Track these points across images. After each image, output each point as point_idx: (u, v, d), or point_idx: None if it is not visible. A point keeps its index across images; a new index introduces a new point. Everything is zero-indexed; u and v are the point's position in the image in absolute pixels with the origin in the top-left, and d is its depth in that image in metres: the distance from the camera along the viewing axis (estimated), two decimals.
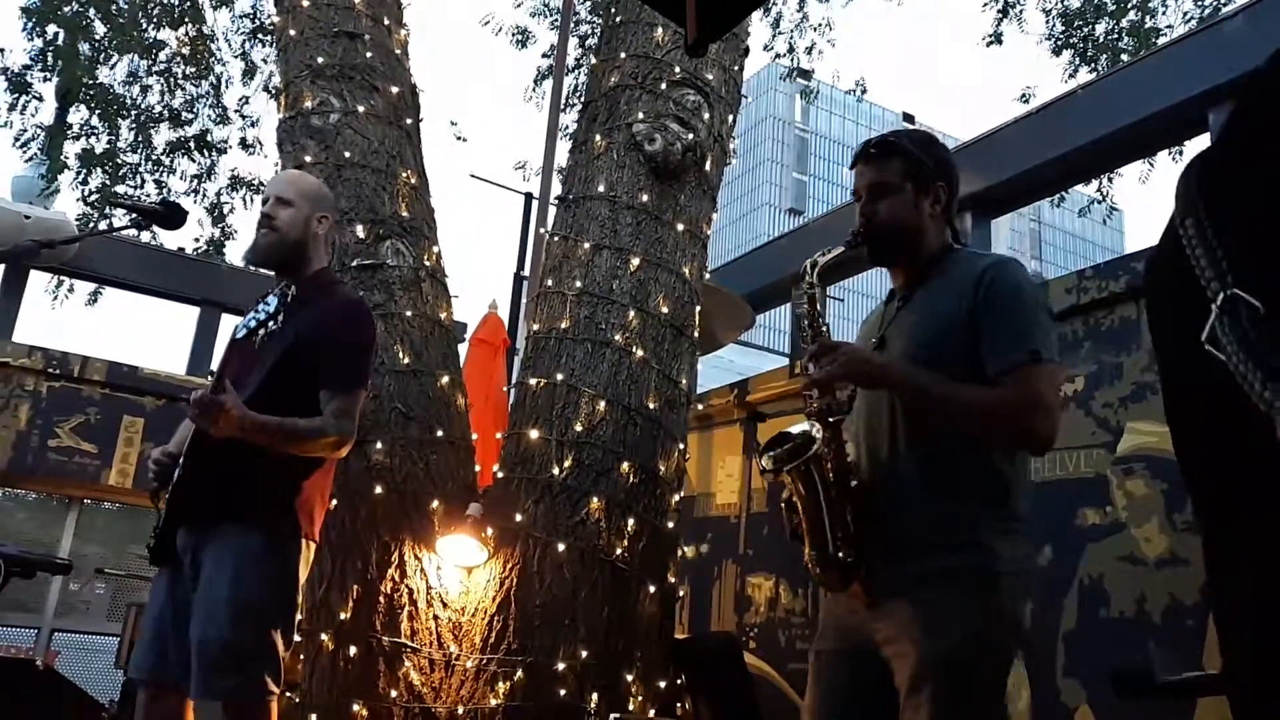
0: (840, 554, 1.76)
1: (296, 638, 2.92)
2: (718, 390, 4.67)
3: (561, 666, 2.82)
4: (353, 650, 2.81)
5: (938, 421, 1.77)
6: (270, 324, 2.59)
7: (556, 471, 3.06)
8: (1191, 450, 1.05)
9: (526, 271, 5.73)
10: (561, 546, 2.95)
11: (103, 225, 8.93)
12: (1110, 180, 8.65)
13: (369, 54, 3.62)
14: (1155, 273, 1.10)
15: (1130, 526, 2.77)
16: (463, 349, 4.07)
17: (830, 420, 1.79)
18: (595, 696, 2.85)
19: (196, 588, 2.45)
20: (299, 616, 2.98)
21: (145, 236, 5.38)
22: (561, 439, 3.10)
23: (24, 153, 9.29)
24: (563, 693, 2.80)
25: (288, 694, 2.93)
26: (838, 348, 1.78)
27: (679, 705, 3.18)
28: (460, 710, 2.70)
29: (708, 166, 3.65)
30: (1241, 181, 0.95)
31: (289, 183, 2.65)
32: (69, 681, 4.11)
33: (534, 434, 3.13)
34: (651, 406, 3.24)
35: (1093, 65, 8.37)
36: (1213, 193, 0.96)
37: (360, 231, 3.32)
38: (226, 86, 10.25)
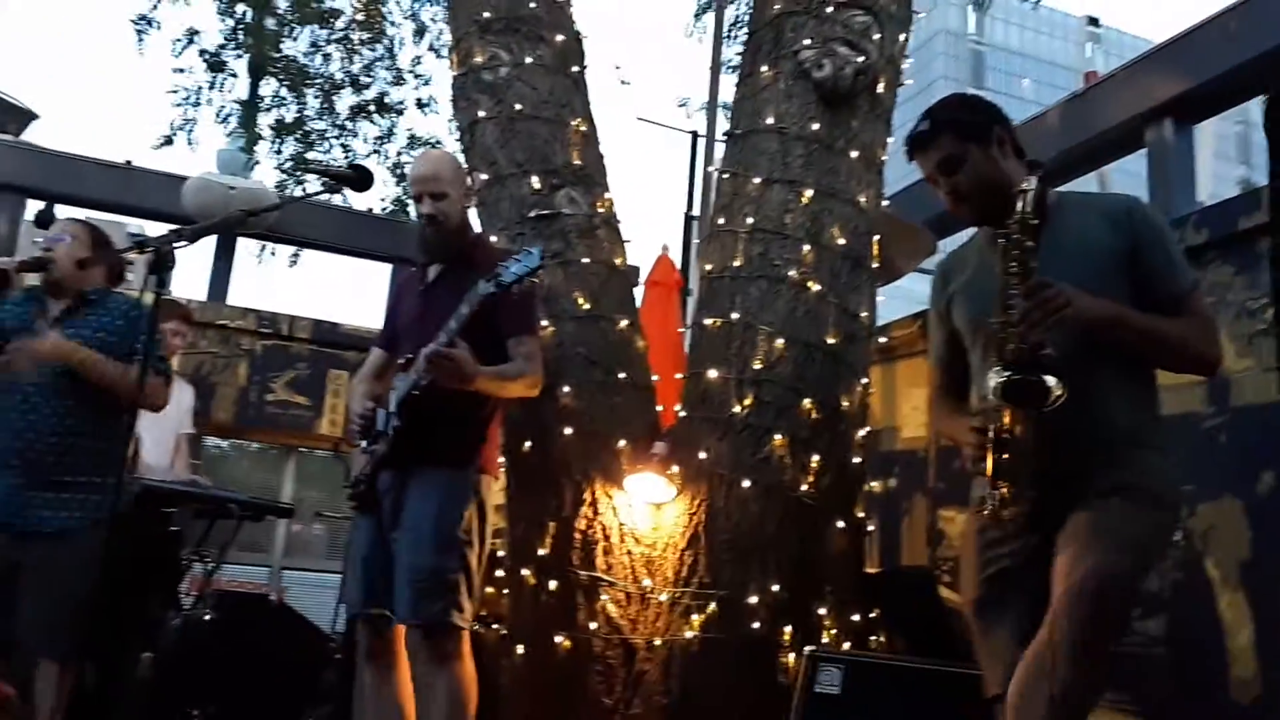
0: (1032, 494, 1.77)
1: (500, 573, 3.11)
2: (900, 321, 4.54)
3: (753, 600, 2.87)
4: (552, 585, 2.94)
5: (1143, 351, 1.87)
6: (442, 282, 2.78)
7: (737, 410, 3.08)
8: None
9: (696, 211, 5.73)
10: (746, 483, 2.98)
11: (298, 191, 9.52)
12: None
13: (533, 4, 3.66)
14: None
15: None
16: (637, 292, 4.13)
17: (1041, 358, 1.75)
18: (788, 629, 2.88)
19: (398, 526, 2.66)
20: (501, 552, 3.16)
21: (336, 199, 5.69)
22: (740, 377, 3.11)
23: (225, 128, 9.98)
24: (755, 625, 2.85)
25: (494, 626, 3.12)
26: (1052, 283, 1.77)
27: (873, 639, 3.18)
28: (657, 641, 2.79)
29: (880, 89, 3.52)
30: None
31: (434, 175, 2.82)
32: (299, 614, 4.49)
33: (712, 373, 3.15)
34: (830, 341, 3.20)
35: None
36: None
37: (535, 182, 3.40)
38: (399, 47, 10.64)
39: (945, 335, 2.14)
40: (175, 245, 2.29)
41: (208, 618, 3.89)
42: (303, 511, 5.79)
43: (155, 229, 6.03)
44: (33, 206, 5.99)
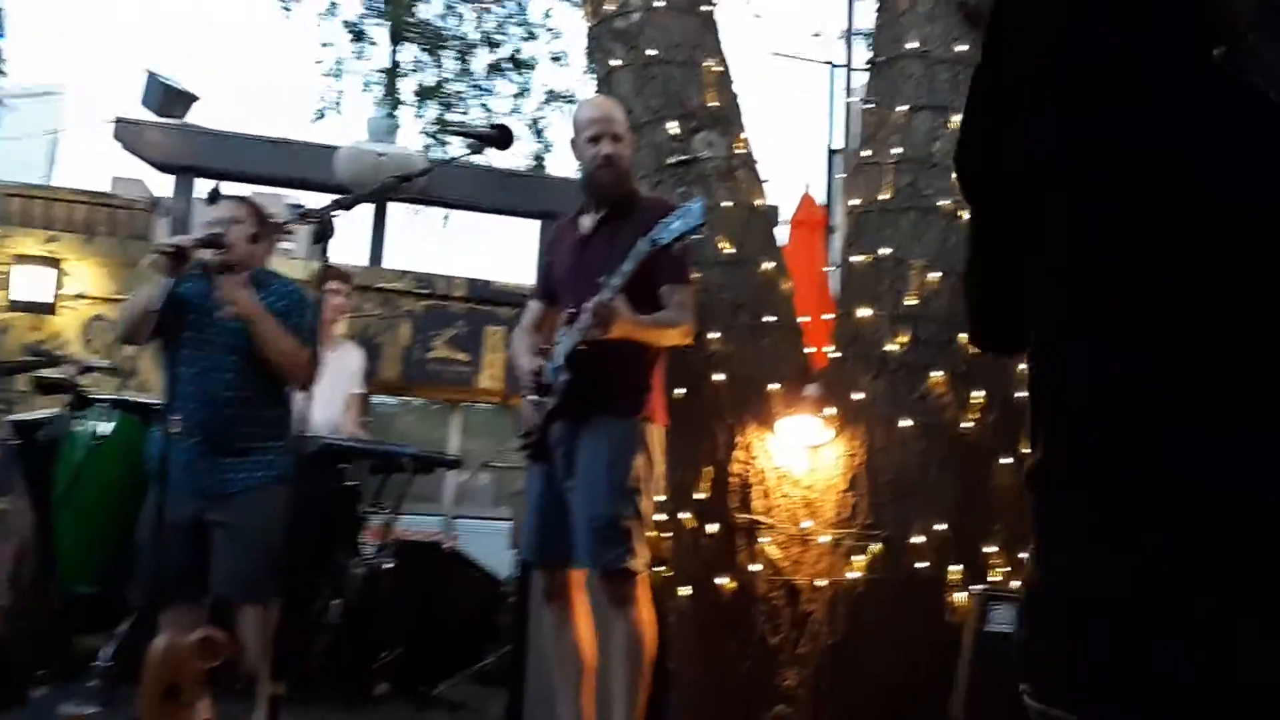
0: None
1: (662, 517, 3.18)
2: None
3: (917, 539, 2.84)
4: (712, 528, 2.99)
5: None
6: (599, 233, 2.82)
7: (891, 348, 3.03)
8: None
9: (838, 145, 5.59)
10: (906, 422, 2.93)
11: (442, 154, 9.76)
12: None
13: None
14: None
15: None
16: (780, 233, 4.08)
17: None
18: (956, 568, 2.84)
19: (572, 475, 2.75)
20: (662, 497, 3.23)
21: (479, 160, 5.82)
22: (894, 314, 3.05)
23: (370, 96, 10.30)
24: (921, 565, 2.82)
25: (659, 569, 3.19)
26: None
27: None
28: (821, 582, 2.81)
29: None
30: None
31: (609, 117, 2.85)
32: (473, 560, 4.71)
33: (864, 312, 3.10)
34: None
35: None
36: None
37: (672, 128, 3.39)
38: (529, 1, 10.68)
39: None
40: (335, 215, 2.40)
41: (388, 566, 4.13)
42: (469, 462, 6.02)
43: (312, 199, 6.33)
44: (200, 186, 6.35)
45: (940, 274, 3.06)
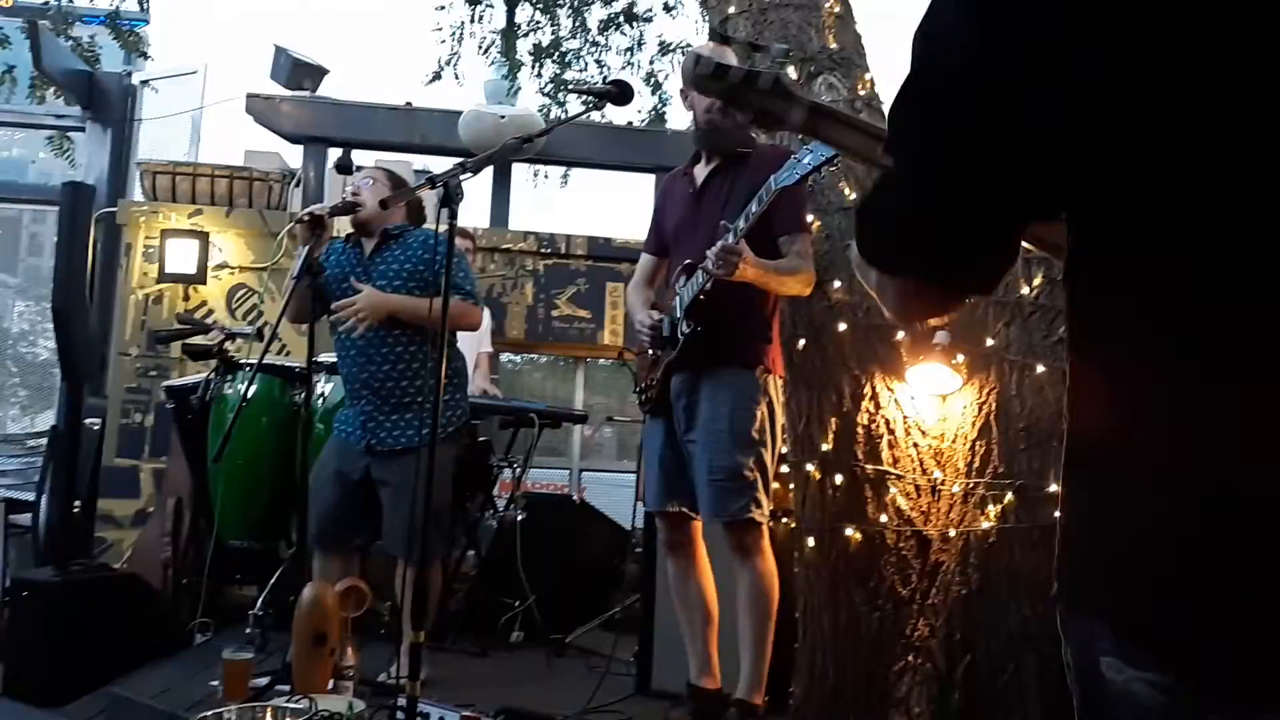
0: None
1: (786, 469, 3.16)
2: None
3: (1053, 488, 2.74)
4: (838, 479, 2.96)
5: None
6: (713, 183, 2.80)
7: (1025, 291, 2.91)
8: None
9: None
10: (1040, 368, 2.82)
11: (560, 113, 9.81)
12: None
13: None
14: None
15: None
16: None
17: None
18: None
19: (692, 428, 2.76)
20: (785, 449, 3.21)
21: (595, 117, 5.84)
22: (1027, 256, 2.93)
23: (487, 58, 10.42)
24: (1057, 514, 2.73)
25: (784, 519, 3.18)
26: None
27: None
28: (951, 533, 2.75)
29: None
30: None
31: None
32: (600, 512, 4.80)
33: None
34: None
35: None
36: None
37: (792, 72, 3.31)
38: None
39: None
40: (461, 178, 2.45)
41: (520, 518, 4.25)
42: (594, 417, 6.12)
43: (437, 164, 6.47)
44: (331, 155, 6.56)
45: None
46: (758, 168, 2.65)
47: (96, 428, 5.59)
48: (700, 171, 2.89)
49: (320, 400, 3.82)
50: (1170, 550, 0.70)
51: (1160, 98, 0.71)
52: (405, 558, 3.21)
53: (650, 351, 2.88)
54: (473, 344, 4.70)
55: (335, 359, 3.48)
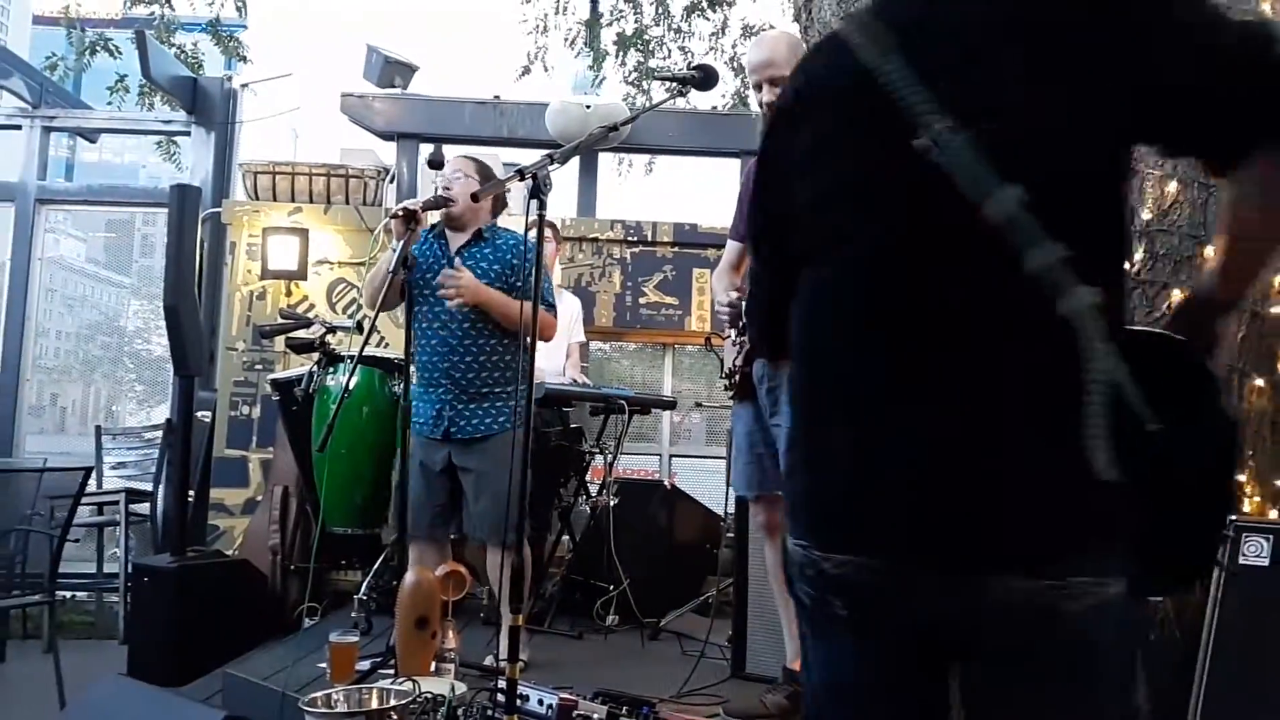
0: None
1: None
2: None
3: None
4: None
5: None
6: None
7: (1125, 265, 2.82)
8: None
9: None
10: None
11: (643, 101, 9.81)
12: None
13: None
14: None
15: None
16: None
17: None
18: None
19: (777, 411, 2.74)
20: None
21: (680, 103, 5.82)
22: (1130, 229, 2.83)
23: (573, 50, 10.48)
24: None
25: None
26: None
27: None
28: None
29: None
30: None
31: (769, 61, 2.83)
32: (692, 497, 4.81)
33: None
34: None
35: None
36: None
37: None
38: None
39: None
40: (549, 169, 2.48)
41: (613, 503, 4.29)
42: (682, 403, 6.13)
43: (525, 156, 6.54)
44: (424, 150, 6.68)
45: (1179, 183, 2.81)
46: None
47: (207, 420, 5.83)
48: None
49: (345, 394, 3.81)
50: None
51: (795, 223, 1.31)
52: (494, 542, 3.28)
53: (733, 335, 2.87)
54: (563, 334, 4.75)
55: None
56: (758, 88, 2.79)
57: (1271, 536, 2.47)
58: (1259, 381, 2.77)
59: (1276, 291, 2.87)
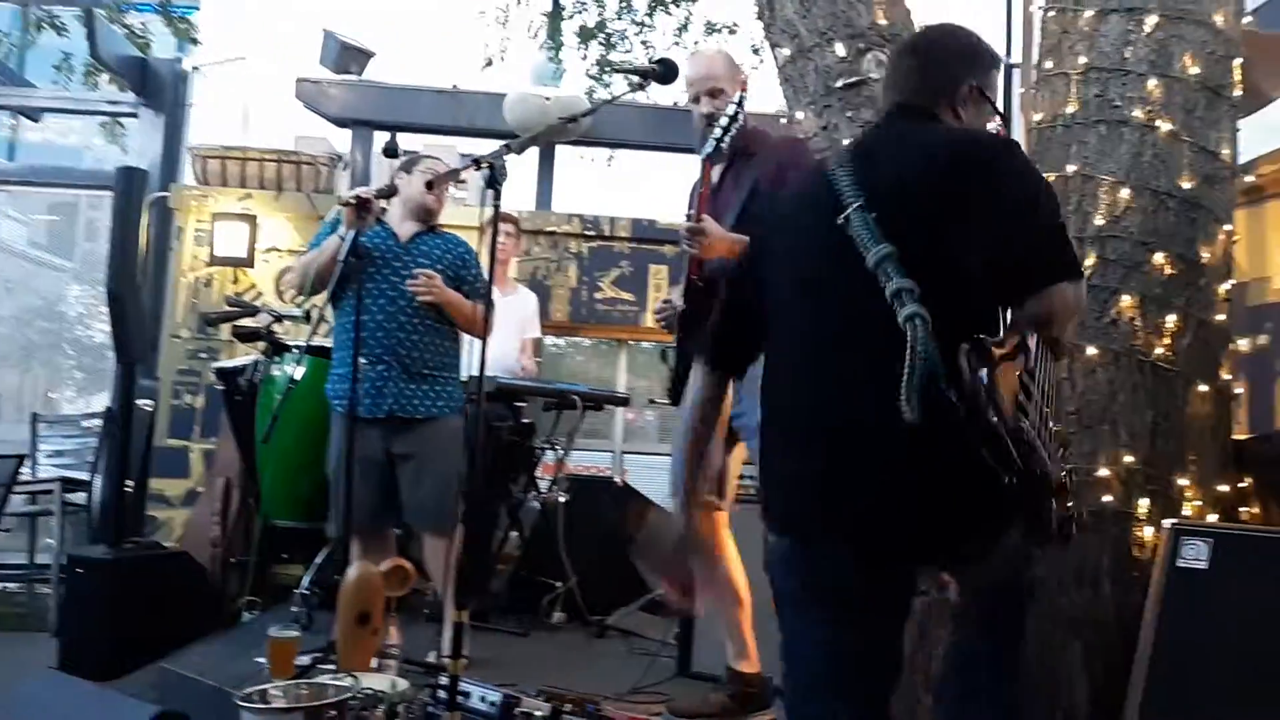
0: None
1: None
2: (1268, 156, 3.96)
3: (1104, 472, 2.68)
4: None
5: None
6: (728, 173, 2.79)
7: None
8: None
9: (1016, 59, 5.25)
10: (1092, 350, 2.76)
11: (606, 94, 9.78)
12: None
13: None
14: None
15: None
16: None
17: None
18: (1144, 502, 2.68)
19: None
20: None
21: (641, 97, 5.80)
22: (1080, 236, 2.85)
23: (535, 41, 10.42)
24: (1108, 499, 2.67)
25: None
26: None
27: (1244, 510, 2.90)
28: None
29: None
30: None
31: (706, 74, 2.87)
32: (643, 494, 4.79)
33: None
34: (1185, 186, 2.85)
35: None
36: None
37: (840, 50, 3.26)
38: None
39: None
40: (505, 157, 2.45)
41: (563, 499, 4.26)
42: (636, 400, 6.10)
43: (482, 146, 6.47)
44: (378, 139, 6.58)
45: (1131, 190, 2.84)
46: (765, 158, 2.67)
47: (148, 409, 5.69)
48: (715, 171, 2.85)
49: (291, 385, 3.61)
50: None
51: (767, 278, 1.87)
52: (431, 530, 3.25)
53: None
54: (515, 328, 4.71)
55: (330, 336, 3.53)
56: (695, 100, 2.82)
57: (1211, 539, 2.51)
58: (1202, 388, 2.81)
59: (1221, 299, 2.92)
